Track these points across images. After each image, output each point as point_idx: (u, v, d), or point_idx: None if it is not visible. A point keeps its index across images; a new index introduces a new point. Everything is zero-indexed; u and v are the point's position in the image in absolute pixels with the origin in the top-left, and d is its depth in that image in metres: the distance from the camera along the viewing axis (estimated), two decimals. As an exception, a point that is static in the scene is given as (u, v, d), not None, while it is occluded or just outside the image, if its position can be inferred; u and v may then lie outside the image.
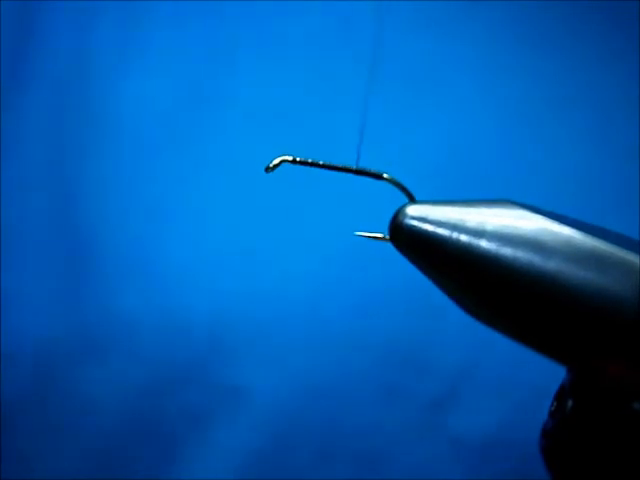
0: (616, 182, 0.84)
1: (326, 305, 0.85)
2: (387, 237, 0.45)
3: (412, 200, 0.45)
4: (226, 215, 0.87)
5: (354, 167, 0.46)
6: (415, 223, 0.43)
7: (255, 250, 0.86)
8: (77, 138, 0.87)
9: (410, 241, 0.43)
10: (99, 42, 0.88)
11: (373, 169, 0.46)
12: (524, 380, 0.82)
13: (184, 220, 0.87)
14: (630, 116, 0.83)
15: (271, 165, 0.47)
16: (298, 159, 0.47)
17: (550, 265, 0.41)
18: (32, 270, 0.87)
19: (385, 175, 0.46)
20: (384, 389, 0.85)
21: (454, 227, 0.43)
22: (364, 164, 0.46)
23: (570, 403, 0.43)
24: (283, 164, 0.47)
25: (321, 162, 0.47)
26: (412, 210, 0.44)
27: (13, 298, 0.86)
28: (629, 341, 0.41)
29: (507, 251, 0.42)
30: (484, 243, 0.42)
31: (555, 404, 0.44)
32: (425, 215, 0.43)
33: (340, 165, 0.47)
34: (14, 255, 0.87)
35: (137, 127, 0.87)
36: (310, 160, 0.47)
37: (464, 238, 0.43)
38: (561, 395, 0.44)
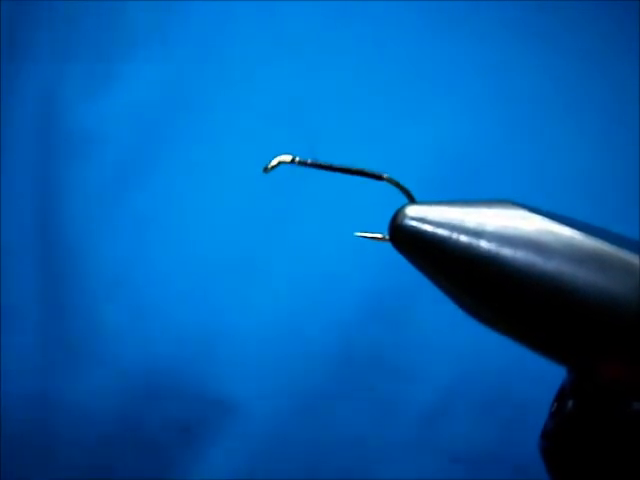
0: (619, 183, 0.83)
1: (314, 317, 0.84)
2: (387, 237, 0.45)
3: (412, 200, 0.45)
4: (212, 225, 0.85)
5: (353, 167, 0.46)
6: (415, 224, 0.43)
7: (242, 261, 0.85)
8: (61, 149, 0.86)
9: (410, 242, 0.43)
10: (81, 52, 0.87)
11: (372, 170, 0.46)
12: (516, 392, 0.81)
13: (169, 231, 0.86)
14: (634, 116, 0.83)
15: (269, 166, 0.46)
16: (297, 159, 0.46)
17: (550, 266, 0.41)
18: (13, 283, 0.86)
19: (385, 175, 0.46)
20: (374, 402, 0.84)
21: (454, 227, 0.43)
22: (365, 163, 0.46)
23: (570, 403, 0.43)
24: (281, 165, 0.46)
25: (320, 162, 0.46)
26: (412, 211, 0.44)
27: None
28: (629, 341, 0.41)
29: (507, 251, 0.42)
30: (484, 243, 0.42)
31: (556, 405, 0.44)
32: (425, 216, 0.43)
33: (339, 165, 0.46)
34: None
35: (121, 137, 0.86)
36: (309, 160, 0.46)
37: (464, 238, 0.43)
38: (561, 396, 0.44)
